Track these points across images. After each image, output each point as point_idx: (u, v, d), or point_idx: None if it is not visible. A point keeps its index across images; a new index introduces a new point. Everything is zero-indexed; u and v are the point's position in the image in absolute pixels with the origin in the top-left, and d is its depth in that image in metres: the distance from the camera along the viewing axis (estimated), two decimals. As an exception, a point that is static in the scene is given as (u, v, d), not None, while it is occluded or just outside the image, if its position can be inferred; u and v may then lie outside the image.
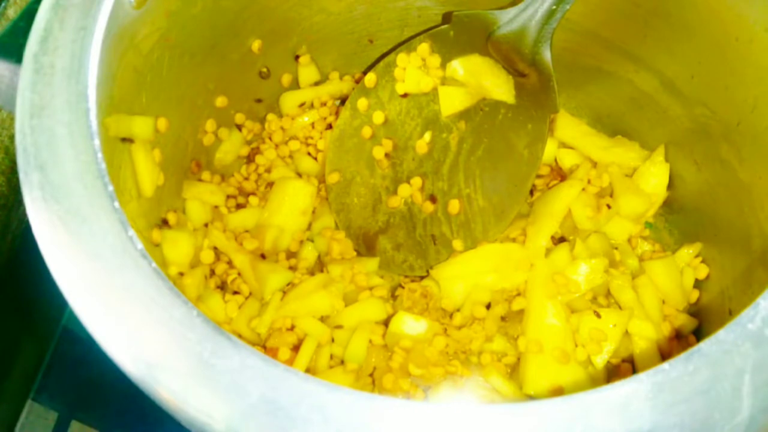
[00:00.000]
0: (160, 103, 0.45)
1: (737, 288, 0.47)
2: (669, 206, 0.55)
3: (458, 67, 0.53)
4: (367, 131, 0.54)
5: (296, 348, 0.47)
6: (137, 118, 0.42)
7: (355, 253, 0.54)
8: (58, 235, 0.30)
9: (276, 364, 0.27)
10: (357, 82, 0.57)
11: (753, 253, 0.45)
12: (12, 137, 0.48)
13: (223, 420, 0.27)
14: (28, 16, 0.36)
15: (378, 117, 0.54)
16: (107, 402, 0.57)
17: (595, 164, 0.55)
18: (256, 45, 0.51)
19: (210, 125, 0.53)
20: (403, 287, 0.52)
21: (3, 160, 0.48)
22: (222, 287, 0.51)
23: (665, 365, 0.27)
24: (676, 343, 0.49)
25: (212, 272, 0.50)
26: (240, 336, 0.48)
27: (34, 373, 0.58)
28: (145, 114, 0.43)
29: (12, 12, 0.42)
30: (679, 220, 0.54)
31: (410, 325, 0.48)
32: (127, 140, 0.41)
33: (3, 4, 0.42)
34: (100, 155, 0.31)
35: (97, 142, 0.31)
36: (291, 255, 0.53)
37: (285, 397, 0.27)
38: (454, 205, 0.54)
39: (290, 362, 0.47)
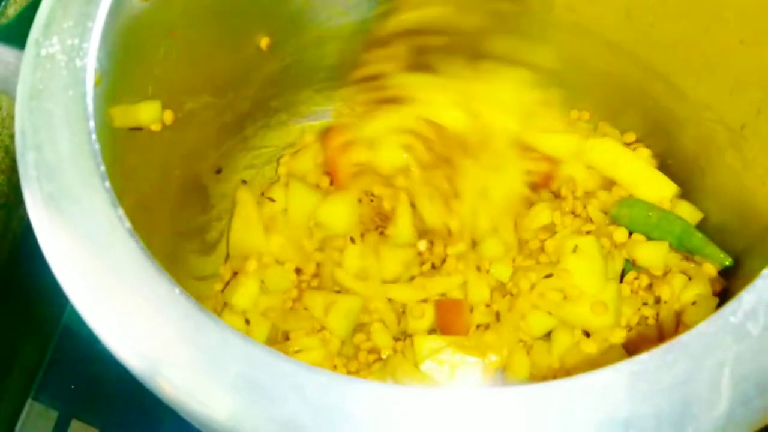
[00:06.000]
0: (167, 96, 0.46)
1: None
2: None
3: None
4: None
5: None
6: (143, 104, 0.43)
7: None
8: (50, 214, 0.30)
9: (255, 343, 0.28)
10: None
11: (755, 257, 0.45)
12: (12, 136, 0.49)
13: (202, 396, 0.27)
14: (34, 5, 0.37)
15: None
16: (108, 401, 0.57)
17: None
18: (264, 42, 0.52)
19: (217, 120, 0.53)
20: None
21: (3, 159, 0.49)
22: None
23: (644, 355, 0.27)
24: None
25: None
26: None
27: (35, 371, 0.58)
28: (152, 106, 0.44)
29: (12, 11, 0.43)
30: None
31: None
32: (135, 129, 0.42)
33: (3, 3, 0.43)
34: (93, 136, 0.32)
35: (92, 124, 0.32)
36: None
37: (263, 376, 0.27)
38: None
39: None
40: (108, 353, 0.29)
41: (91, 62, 0.33)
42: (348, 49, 0.55)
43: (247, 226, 0.55)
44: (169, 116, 0.46)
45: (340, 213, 0.55)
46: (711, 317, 0.28)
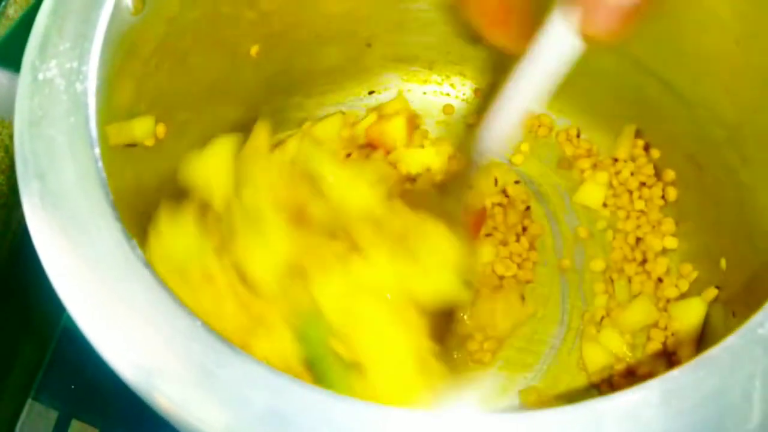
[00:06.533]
0: (160, 109, 0.45)
1: (740, 290, 0.47)
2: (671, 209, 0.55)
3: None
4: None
5: None
6: (136, 120, 0.42)
7: None
8: (57, 244, 0.29)
9: (281, 374, 0.27)
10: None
11: (756, 254, 0.45)
12: (12, 136, 0.48)
13: (227, 430, 0.27)
14: (26, 23, 0.35)
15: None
16: (108, 401, 0.56)
17: None
18: (254, 50, 0.51)
19: (209, 131, 0.52)
20: None
21: (3, 159, 0.48)
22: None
23: (675, 372, 0.27)
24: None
25: None
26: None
27: (35, 372, 0.58)
28: (144, 120, 0.43)
29: (12, 11, 0.42)
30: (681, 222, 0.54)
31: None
32: (129, 146, 0.41)
33: (3, 3, 0.41)
34: (100, 164, 0.31)
35: (97, 150, 0.31)
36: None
37: (290, 408, 0.26)
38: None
39: None
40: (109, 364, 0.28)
41: (91, 86, 0.32)
42: (339, 55, 0.54)
43: (254, 153, 0.54)
44: (161, 130, 0.45)
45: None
46: (739, 330, 0.28)
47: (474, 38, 0.54)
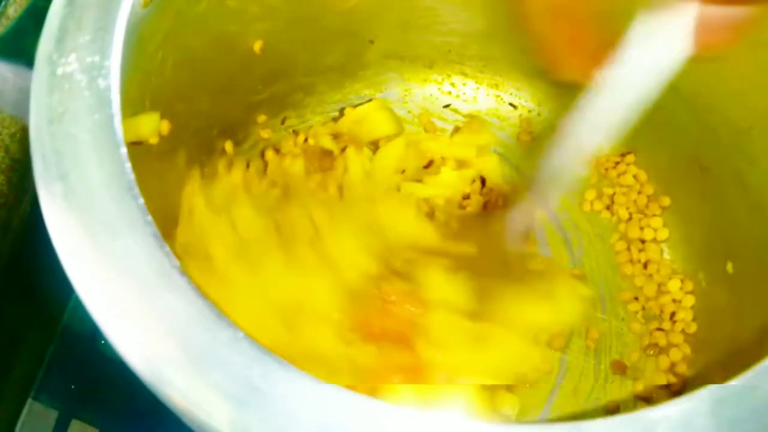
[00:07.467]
0: (163, 105, 0.43)
1: (749, 295, 0.47)
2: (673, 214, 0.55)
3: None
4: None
5: None
6: (142, 116, 0.40)
7: None
8: (85, 251, 0.28)
9: (330, 386, 0.26)
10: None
11: (766, 256, 0.45)
12: (12, 135, 0.46)
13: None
14: (34, 14, 0.34)
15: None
16: (108, 401, 0.57)
17: None
18: (257, 45, 0.50)
19: (211, 127, 0.51)
20: None
21: (3, 158, 0.46)
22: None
23: (732, 382, 0.27)
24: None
25: None
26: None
27: (35, 372, 0.57)
28: (148, 116, 0.41)
29: (12, 11, 0.40)
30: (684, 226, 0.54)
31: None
32: (135, 144, 0.39)
33: (3, 3, 0.39)
34: (128, 165, 0.29)
35: (123, 150, 0.29)
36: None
37: (342, 424, 0.25)
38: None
39: None
40: (108, 353, 0.27)
41: (115, 82, 0.31)
42: (343, 52, 0.53)
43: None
44: (165, 127, 0.44)
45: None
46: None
47: (537, 71, 0.54)
